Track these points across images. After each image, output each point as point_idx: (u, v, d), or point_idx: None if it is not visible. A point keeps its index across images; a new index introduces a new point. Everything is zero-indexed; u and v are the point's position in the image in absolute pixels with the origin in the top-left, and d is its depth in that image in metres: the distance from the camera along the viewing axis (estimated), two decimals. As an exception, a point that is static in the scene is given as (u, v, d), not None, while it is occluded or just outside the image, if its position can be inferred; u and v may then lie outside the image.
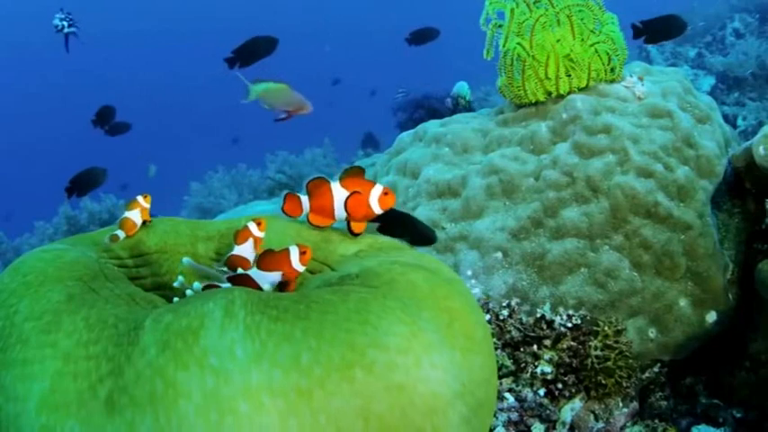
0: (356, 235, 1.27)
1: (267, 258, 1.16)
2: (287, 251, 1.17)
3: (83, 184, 3.94)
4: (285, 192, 1.31)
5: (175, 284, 1.23)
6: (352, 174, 1.28)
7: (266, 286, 1.16)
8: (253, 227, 1.25)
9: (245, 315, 0.89)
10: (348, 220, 1.27)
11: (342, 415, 0.85)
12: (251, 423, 0.83)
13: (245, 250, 1.25)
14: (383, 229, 1.38)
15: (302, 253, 1.17)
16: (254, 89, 2.47)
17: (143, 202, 1.35)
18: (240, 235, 1.25)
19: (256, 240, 1.25)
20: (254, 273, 1.17)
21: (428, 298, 1.02)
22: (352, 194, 1.25)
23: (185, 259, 1.23)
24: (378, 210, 1.26)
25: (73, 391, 0.88)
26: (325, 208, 1.27)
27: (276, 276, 1.17)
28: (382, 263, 1.14)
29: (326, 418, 0.85)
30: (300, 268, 1.17)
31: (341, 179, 1.27)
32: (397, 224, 1.43)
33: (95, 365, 0.89)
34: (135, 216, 1.34)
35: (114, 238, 1.30)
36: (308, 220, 1.29)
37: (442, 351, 0.95)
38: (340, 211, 1.27)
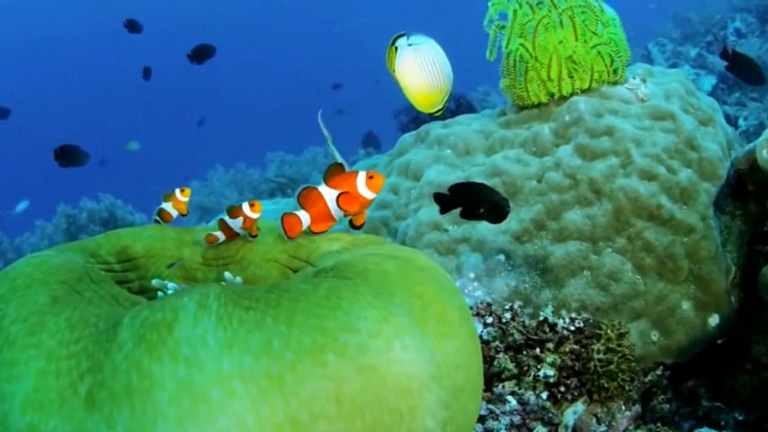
0: (359, 227, 1.33)
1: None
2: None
3: (68, 157, 4.07)
4: (282, 214, 1.34)
5: (153, 282, 1.27)
6: (334, 171, 1.32)
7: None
8: (246, 207, 1.33)
9: (218, 307, 0.91)
10: (348, 217, 1.33)
11: (314, 399, 0.86)
12: (223, 409, 0.84)
13: (235, 224, 1.34)
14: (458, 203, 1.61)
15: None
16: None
17: (180, 195, 1.45)
18: (233, 210, 1.33)
19: (246, 219, 1.33)
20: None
21: (400, 285, 1.04)
22: (341, 194, 1.30)
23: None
24: (370, 195, 1.31)
25: (55, 389, 0.90)
26: (323, 212, 1.31)
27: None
28: (356, 255, 1.16)
29: (299, 403, 0.86)
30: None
31: (325, 180, 1.32)
32: (471, 199, 1.64)
33: (76, 363, 0.91)
34: (169, 208, 1.46)
35: (156, 221, 1.44)
36: (312, 231, 1.32)
37: (414, 334, 0.96)
38: (337, 211, 1.31)
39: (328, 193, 1.31)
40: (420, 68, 1.71)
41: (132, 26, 5.23)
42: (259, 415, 0.84)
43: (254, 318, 0.90)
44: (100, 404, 0.86)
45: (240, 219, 1.32)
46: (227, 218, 1.33)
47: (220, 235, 1.34)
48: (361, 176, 1.31)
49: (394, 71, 1.72)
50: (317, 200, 1.31)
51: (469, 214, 1.72)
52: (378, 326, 0.93)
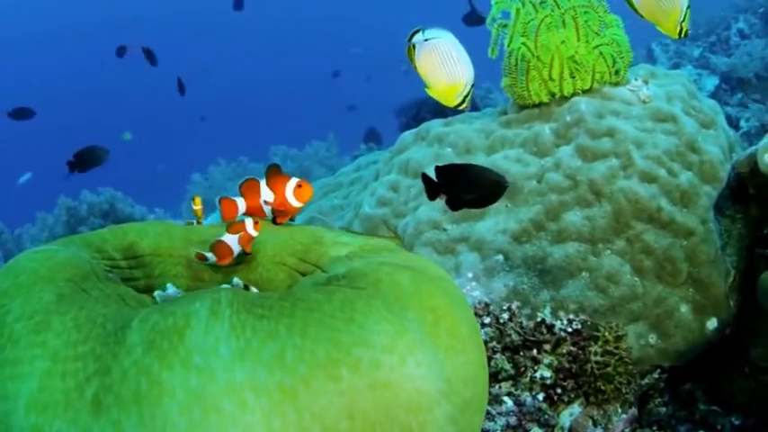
0: (280, 224, 1.37)
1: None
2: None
3: (85, 161, 4.04)
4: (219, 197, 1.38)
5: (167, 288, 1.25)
6: (273, 172, 1.37)
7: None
8: (249, 223, 1.29)
9: (230, 314, 0.89)
10: (273, 215, 1.38)
11: (327, 413, 0.86)
12: (234, 422, 0.83)
13: (233, 241, 1.29)
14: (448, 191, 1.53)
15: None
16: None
17: (198, 202, 1.46)
18: (234, 226, 1.28)
19: (246, 237, 1.29)
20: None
21: (412, 297, 1.03)
22: (274, 200, 1.36)
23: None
24: (295, 204, 1.36)
25: (61, 390, 0.88)
26: (257, 207, 1.37)
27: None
28: (369, 263, 1.14)
29: (311, 417, 0.85)
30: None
31: (266, 179, 1.36)
32: (462, 181, 1.54)
33: (83, 365, 0.89)
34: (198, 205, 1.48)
35: (189, 223, 1.45)
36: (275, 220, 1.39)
37: (427, 350, 0.96)
38: (267, 209, 1.37)
39: (264, 193, 1.35)
40: (439, 63, 1.69)
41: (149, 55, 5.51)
42: (271, 428, 0.83)
43: (268, 327, 0.88)
44: (107, 409, 0.85)
45: (239, 235, 1.28)
46: (226, 236, 1.29)
47: (211, 256, 1.29)
48: (291, 184, 1.35)
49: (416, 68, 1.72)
50: (256, 192, 1.35)
51: (460, 201, 1.60)
52: (392, 341, 0.92)
